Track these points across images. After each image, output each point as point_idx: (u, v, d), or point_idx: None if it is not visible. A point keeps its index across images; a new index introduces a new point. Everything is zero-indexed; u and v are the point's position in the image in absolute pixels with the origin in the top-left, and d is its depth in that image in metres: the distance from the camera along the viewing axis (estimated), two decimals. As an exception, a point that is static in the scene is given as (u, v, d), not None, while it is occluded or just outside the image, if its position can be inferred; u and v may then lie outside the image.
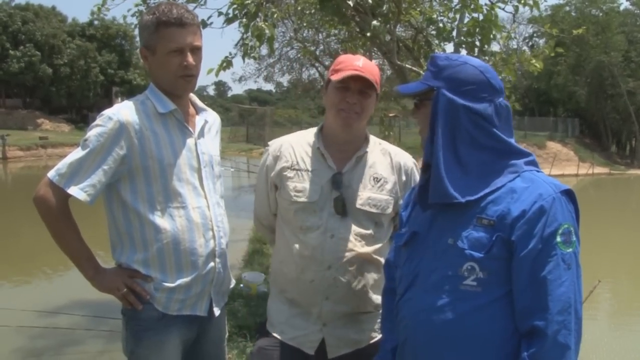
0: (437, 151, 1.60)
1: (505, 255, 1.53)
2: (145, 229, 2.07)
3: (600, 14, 41.50)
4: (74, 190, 2.01)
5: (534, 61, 4.98)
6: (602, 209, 19.01)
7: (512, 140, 1.64)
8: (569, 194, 1.57)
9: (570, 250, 1.51)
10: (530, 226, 1.50)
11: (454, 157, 1.59)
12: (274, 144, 2.34)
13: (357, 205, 2.17)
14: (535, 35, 44.55)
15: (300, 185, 2.20)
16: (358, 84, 2.13)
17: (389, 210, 2.21)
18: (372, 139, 2.32)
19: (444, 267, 1.59)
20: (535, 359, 1.48)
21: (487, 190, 1.58)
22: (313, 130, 2.32)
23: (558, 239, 1.50)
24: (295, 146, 2.28)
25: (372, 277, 2.19)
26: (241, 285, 6.27)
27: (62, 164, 2.03)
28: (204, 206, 2.16)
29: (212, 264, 2.17)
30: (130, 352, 2.13)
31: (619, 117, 43.80)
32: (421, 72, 5.07)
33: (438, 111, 1.60)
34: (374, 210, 2.18)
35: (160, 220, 2.07)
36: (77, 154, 2.04)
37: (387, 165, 2.26)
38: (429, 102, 1.65)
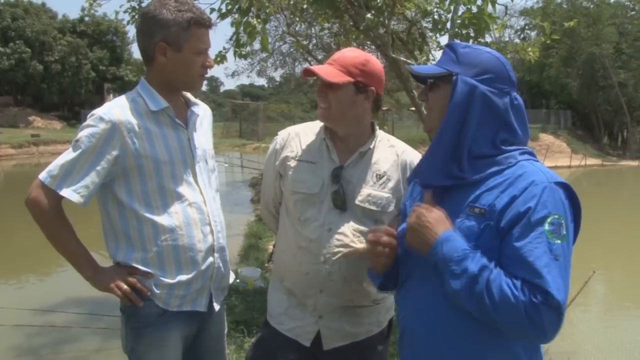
0: (443, 135, 1.60)
1: (496, 245, 1.52)
2: (143, 228, 2.06)
3: (591, 6, 41.56)
4: (67, 192, 1.99)
5: (529, 49, 4.99)
6: (594, 200, 19.08)
7: (523, 137, 1.64)
8: (566, 189, 1.55)
9: (559, 242, 1.47)
10: (519, 211, 1.48)
11: (457, 144, 1.59)
12: (283, 133, 2.32)
13: (357, 202, 2.15)
14: (527, 27, 44.59)
15: (301, 176, 2.18)
16: (320, 80, 2.12)
17: (391, 208, 2.17)
18: (380, 134, 2.27)
19: None
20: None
21: (476, 177, 1.58)
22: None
23: (546, 227, 1.47)
24: (302, 136, 2.26)
25: (368, 272, 2.17)
26: (237, 280, 6.27)
27: (54, 166, 2.01)
28: (200, 201, 2.15)
29: (211, 259, 2.16)
30: (130, 349, 2.12)
31: (611, 109, 43.95)
32: (415, 64, 5.07)
33: (455, 96, 1.59)
34: (373, 207, 2.15)
35: (158, 218, 2.06)
36: (68, 155, 2.02)
37: (392, 162, 2.22)
38: (444, 86, 1.64)
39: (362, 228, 2.15)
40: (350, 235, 2.13)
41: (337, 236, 2.13)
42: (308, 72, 2.20)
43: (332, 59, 2.17)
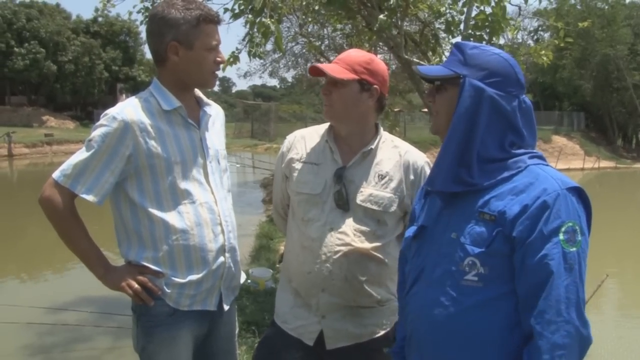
0: (451, 139, 1.58)
1: (507, 252, 1.50)
2: (154, 227, 2.07)
3: (606, 7, 41.22)
4: (82, 192, 2.01)
5: (543, 52, 4.95)
6: (607, 203, 18.93)
7: (530, 140, 1.62)
8: (578, 192, 1.53)
9: (574, 249, 1.46)
10: (532, 222, 1.47)
11: (465, 148, 1.57)
12: (290, 136, 2.37)
13: (358, 202, 2.16)
14: (540, 29, 44.31)
15: (305, 177, 2.22)
16: (329, 75, 2.15)
17: (393, 208, 2.18)
18: (384, 135, 2.29)
19: (447, 261, 1.58)
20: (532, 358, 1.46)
21: (486, 183, 1.56)
22: (328, 124, 2.31)
23: (561, 236, 1.45)
24: (308, 139, 2.30)
25: (370, 272, 2.17)
26: (249, 281, 6.28)
27: (67, 165, 2.03)
28: (211, 201, 2.15)
29: (222, 259, 2.17)
30: (141, 348, 2.13)
31: (625, 111, 43.55)
32: (428, 66, 5.04)
33: (463, 100, 1.57)
34: (375, 207, 2.16)
35: (169, 218, 2.07)
36: (81, 154, 2.03)
37: (394, 162, 2.23)
38: (452, 88, 1.62)
39: (364, 228, 2.16)
40: (351, 234, 2.14)
41: (338, 235, 2.14)
42: (314, 69, 2.22)
43: (338, 59, 2.21)
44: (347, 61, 2.16)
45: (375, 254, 2.16)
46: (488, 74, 1.58)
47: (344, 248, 2.13)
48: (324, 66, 2.17)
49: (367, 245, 2.15)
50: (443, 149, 1.60)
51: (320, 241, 2.15)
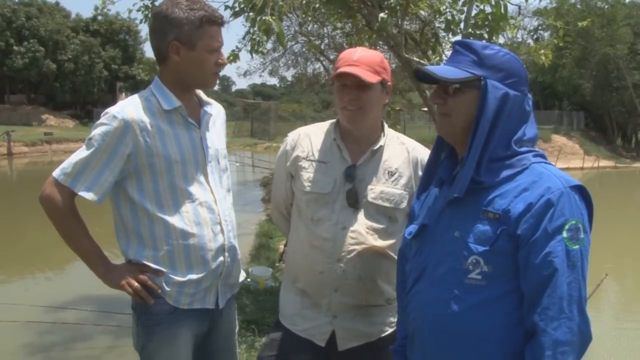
0: (478, 144, 1.54)
1: (511, 250, 1.51)
2: (154, 227, 2.07)
3: (606, 6, 41.17)
4: (82, 190, 2.02)
5: (542, 52, 4.95)
6: (607, 203, 18.93)
7: (535, 136, 1.62)
8: (580, 190, 1.53)
9: (577, 247, 1.48)
10: (537, 220, 1.48)
11: (482, 150, 1.56)
12: (293, 134, 2.34)
13: (370, 199, 2.16)
14: (540, 28, 44.25)
15: (313, 176, 2.20)
16: (353, 79, 2.09)
17: (403, 205, 2.18)
18: (390, 132, 2.29)
19: (450, 260, 1.58)
20: (534, 356, 1.46)
21: (491, 181, 1.55)
22: (331, 122, 2.30)
23: (564, 234, 1.46)
24: (313, 137, 2.27)
25: (383, 271, 2.17)
26: (249, 280, 6.27)
27: (67, 163, 2.03)
28: (211, 201, 2.15)
29: (221, 258, 2.17)
30: (141, 347, 2.13)
31: (625, 110, 43.51)
32: (428, 64, 5.04)
33: (489, 103, 1.54)
34: (386, 204, 2.16)
35: (169, 217, 2.07)
36: (82, 153, 2.03)
37: (403, 159, 2.23)
38: (469, 91, 1.58)
39: (376, 225, 2.16)
40: (364, 232, 2.14)
41: (351, 234, 2.13)
42: (342, 75, 2.12)
43: (353, 60, 2.12)
44: (367, 63, 2.11)
45: (388, 251, 2.16)
46: (506, 75, 1.57)
47: (358, 247, 2.13)
48: (356, 71, 2.08)
49: (380, 243, 2.14)
50: (470, 155, 1.55)
51: (333, 241, 2.14)
